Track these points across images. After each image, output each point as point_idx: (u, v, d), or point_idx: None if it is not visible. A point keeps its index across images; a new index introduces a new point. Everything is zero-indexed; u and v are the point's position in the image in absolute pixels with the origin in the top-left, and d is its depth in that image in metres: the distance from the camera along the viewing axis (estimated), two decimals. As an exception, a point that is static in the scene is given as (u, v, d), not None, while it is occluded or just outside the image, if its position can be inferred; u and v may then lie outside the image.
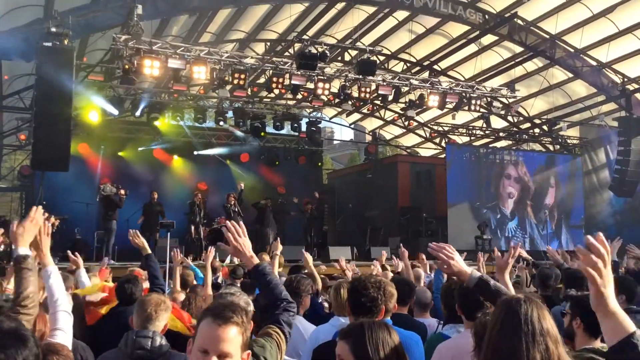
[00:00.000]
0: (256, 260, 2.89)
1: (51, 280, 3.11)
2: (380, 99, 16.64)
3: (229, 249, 2.90)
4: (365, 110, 21.77)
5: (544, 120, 21.01)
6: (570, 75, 18.43)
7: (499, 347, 2.02)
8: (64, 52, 11.49)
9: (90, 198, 15.50)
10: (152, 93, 16.84)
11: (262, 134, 18.55)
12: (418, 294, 4.86)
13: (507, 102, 19.20)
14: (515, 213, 19.86)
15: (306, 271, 6.34)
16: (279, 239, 7.67)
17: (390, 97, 16.00)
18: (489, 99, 17.01)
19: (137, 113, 16.19)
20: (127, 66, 12.31)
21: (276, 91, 16.74)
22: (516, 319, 2.02)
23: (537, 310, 2.05)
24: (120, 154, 17.70)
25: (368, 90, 15.46)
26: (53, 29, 11.34)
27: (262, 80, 16.63)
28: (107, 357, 3.21)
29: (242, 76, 13.81)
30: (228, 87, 14.33)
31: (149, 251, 5.09)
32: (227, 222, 2.98)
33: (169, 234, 9.89)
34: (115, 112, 15.81)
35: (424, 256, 7.71)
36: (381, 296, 3.20)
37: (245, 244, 2.86)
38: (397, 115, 21.93)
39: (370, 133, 24.94)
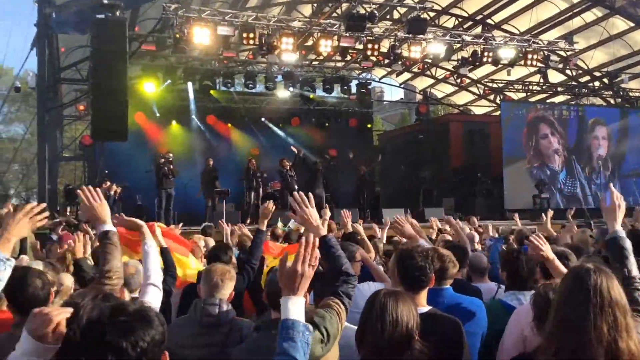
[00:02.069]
0: (323, 231, 2.93)
1: (147, 254, 3.30)
2: (431, 57, 16.26)
3: (297, 218, 2.97)
4: (415, 69, 21.34)
5: (604, 73, 20.07)
6: (632, 24, 17.46)
7: (566, 318, 2.02)
8: (116, 23, 11.67)
9: (149, 165, 15.98)
10: (203, 61, 17.01)
11: (311, 96, 18.53)
12: (473, 259, 4.79)
13: (565, 55, 18.39)
14: (564, 165, 19.20)
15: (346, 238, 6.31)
16: (327, 207, 7.63)
17: (442, 55, 15.62)
18: (545, 53, 16.36)
19: (190, 81, 16.42)
20: (177, 35, 12.45)
21: (325, 54, 16.59)
22: (584, 289, 2.01)
23: (606, 280, 2.03)
24: (174, 122, 18.07)
25: (418, 49, 15.14)
26: (105, 1, 11.52)
27: (310, 43, 16.50)
28: (179, 324, 3.38)
29: (291, 40, 13.76)
30: (276, 51, 14.31)
31: (264, 228, 4.96)
32: (295, 193, 3.00)
33: (224, 201, 10.22)
34: (168, 81, 16.08)
35: (475, 219, 7.59)
36: (429, 265, 3.18)
37: (312, 214, 2.91)
38: (448, 73, 21.41)
39: (421, 92, 24.49)
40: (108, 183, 13.30)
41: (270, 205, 5.13)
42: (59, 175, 17.74)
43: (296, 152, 15.44)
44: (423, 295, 3.12)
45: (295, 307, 2.04)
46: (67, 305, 1.81)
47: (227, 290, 3.48)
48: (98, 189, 3.13)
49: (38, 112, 15.09)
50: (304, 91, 18.17)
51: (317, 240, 2.37)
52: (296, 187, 15.23)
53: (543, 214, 7.51)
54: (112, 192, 13.19)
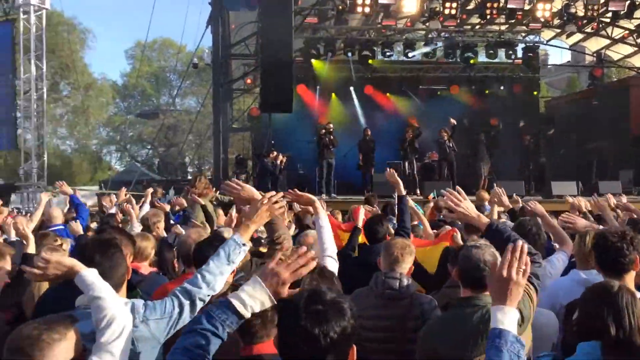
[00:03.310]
0: (485, 220, 2.84)
1: (322, 227, 3.43)
2: (609, 15, 14.70)
3: (453, 216, 2.90)
4: (588, 30, 19.44)
5: None
6: None
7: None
8: (282, -1, 12.13)
9: (310, 136, 16.56)
10: (361, 31, 17.06)
11: (472, 61, 17.76)
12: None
13: None
14: None
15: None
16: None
17: (623, 12, 14.05)
18: None
19: (349, 52, 16.59)
20: (340, 7, 12.58)
21: (489, 16, 15.75)
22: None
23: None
24: (334, 93, 18.45)
25: (595, 7, 13.76)
26: (272, -23, 11.99)
27: (472, 6, 15.77)
28: (360, 295, 3.47)
29: (454, 5, 13.26)
30: (438, 17, 13.89)
31: (403, 192, 5.07)
32: (446, 191, 2.93)
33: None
34: (329, 53, 16.39)
35: None
36: (627, 245, 2.90)
37: (468, 206, 2.83)
38: (627, 32, 19.19)
39: (594, 54, 22.30)
40: (275, 153, 14.03)
41: (392, 171, 5.23)
42: (229, 145, 19.12)
43: (454, 123, 14.96)
44: (629, 279, 2.87)
45: (506, 319, 1.94)
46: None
47: (407, 264, 3.51)
48: (235, 179, 3.33)
49: (213, 87, 16.26)
50: (464, 57, 17.47)
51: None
52: (454, 158, 14.87)
53: None
54: (278, 162, 13.93)
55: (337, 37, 17.04)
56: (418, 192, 14.40)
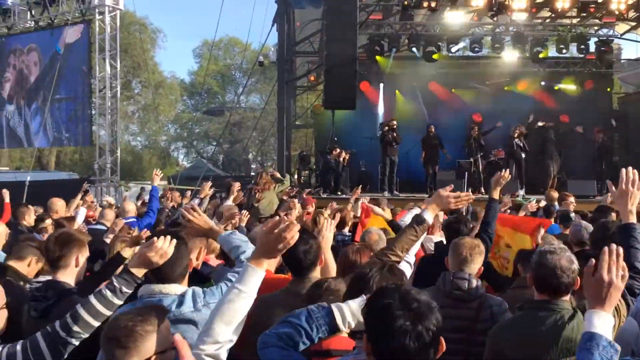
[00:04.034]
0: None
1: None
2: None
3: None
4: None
5: None
6: None
7: None
8: (347, -5, 12.15)
9: (372, 133, 16.50)
10: (426, 26, 16.83)
11: (542, 55, 17.17)
12: None
13: None
14: None
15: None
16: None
17: None
18: None
19: (414, 48, 16.41)
20: (406, 2, 12.46)
21: (560, 10, 15.16)
22: None
23: None
24: (397, 89, 18.29)
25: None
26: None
27: (542, -1, 15.21)
28: (428, 293, 3.44)
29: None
30: (507, 11, 13.50)
31: (496, 195, 4.84)
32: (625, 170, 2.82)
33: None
34: (393, 49, 16.27)
35: None
36: None
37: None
38: None
39: (676, 47, 21.07)
40: (337, 150, 14.08)
41: (506, 174, 4.90)
42: (291, 142, 19.34)
43: (530, 120, 14.47)
44: None
45: (601, 323, 1.90)
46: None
47: (476, 264, 3.44)
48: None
49: (278, 84, 16.48)
50: (533, 52, 16.91)
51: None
52: (523, 155, 14.44)
53: None
54: (340, 159, 13.97)
55: (401, 32, 16.88)
56: (483, 190, 14.12)
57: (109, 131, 16.55)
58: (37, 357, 2.22)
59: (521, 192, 13.48)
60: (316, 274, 2.93)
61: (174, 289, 2.52)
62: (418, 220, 3.14)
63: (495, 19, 14.36)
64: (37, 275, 3.64)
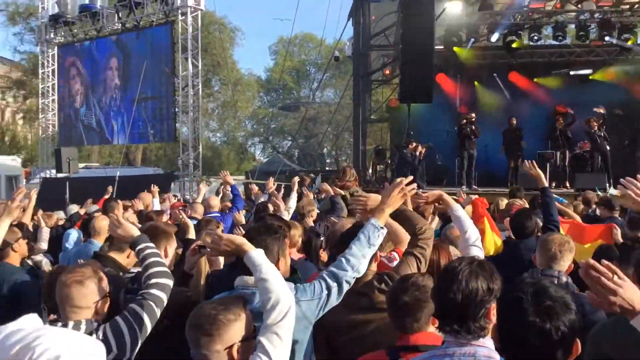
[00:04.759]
0: None
1: (458, 218, 3.39)
2: None
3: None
4: None
5: None
6: None
7: None
8: (424, -13, 11.97)
9: (450, 126, 16.18)
10: (507, 15, 16.28)
11: (630, 41, 16.17)
12: None
13: None
14: None
15: None
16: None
17: None
18: None
19: (493, 38, 15.93)
20: (486, -8, 12.12)
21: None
22: None
23: None
24: (476, 81, 17.83)
25: None
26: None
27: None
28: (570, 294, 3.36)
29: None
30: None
31: (545, 184, 4.91)
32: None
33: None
34: (471, 39, 15.89)
35: None
36: None
37: None
38: None
39: None
40: (414, 144, 13.93)
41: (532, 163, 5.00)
42: (367, 136, 19.30)
43: (602, 112, 13.76)
44: None
45: None
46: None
47: (566, 262, 3.34)
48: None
49: (354, 79, 16.50)
50: (621, 39, 15.97)
51: None
52: (607, 148, 13.71)
53: None
54: (417, 153, 13.81)
55: (480, 23, 16.43)
56: (568, 184, 13.54)
57: (191, 128, 17.17)
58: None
59: (611, 190, 12.80)
60: (372, 268, 2.98)
61: None
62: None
63: (579, 5, 13.66)
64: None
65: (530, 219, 4.53)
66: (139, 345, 2.42)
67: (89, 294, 2.42)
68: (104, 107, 19.40)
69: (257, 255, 2.31)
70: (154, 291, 2.54)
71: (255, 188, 11.04)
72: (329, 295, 2.48)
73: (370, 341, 2.63)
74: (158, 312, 2.51)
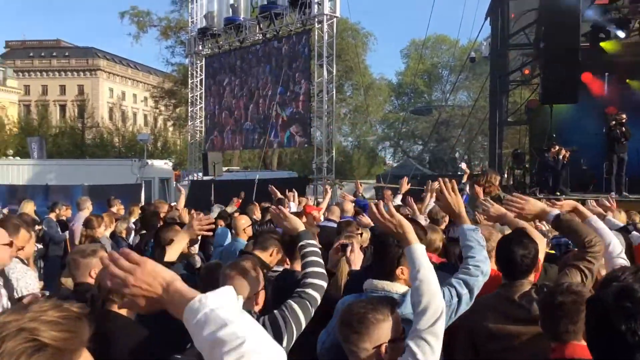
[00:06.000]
0: None
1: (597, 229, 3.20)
2: None
3: None
4: None
5: None
6: None
7: None
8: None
9: (597, 128, 15.04)
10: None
11: None
12: None
13: None
14: None
15: None
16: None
17: None
18: None
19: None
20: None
21: None
22: None
23: None
24: (628, 79, 16.42)
25: None
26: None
27: None
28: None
29: None
30: None
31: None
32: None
33: None
34: (622, 35, 14.69)
35: None
36: None
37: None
38: None
39: None
40: (556, 147, 13.18)
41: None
42: (503, 139, 18.55)
43: None
44: None
45: None
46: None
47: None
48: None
49: (491, 80, 15.98)
50: None
51: None
52: None
53: None
54: (560, 157, 13.05)
55: (632, 17, 15.14)
56: None
57: (324, 132, 17.63)
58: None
59: None
60: (530, 279, 2.84)
61: (396, 288, 2.55)
62: None
63: None
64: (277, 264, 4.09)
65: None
66: (294, 340, 2.54)
67: (250, 285, 2.60)
68: (248, 114, 20.49)
69: (419, 250, 2.27)
70: (309, 291, 2.66)
71: (388, 192, 11.08)
72: (459, 302, 2.47)
73: (521, 353, 2.58)
74: (312, 312, 2.62)
